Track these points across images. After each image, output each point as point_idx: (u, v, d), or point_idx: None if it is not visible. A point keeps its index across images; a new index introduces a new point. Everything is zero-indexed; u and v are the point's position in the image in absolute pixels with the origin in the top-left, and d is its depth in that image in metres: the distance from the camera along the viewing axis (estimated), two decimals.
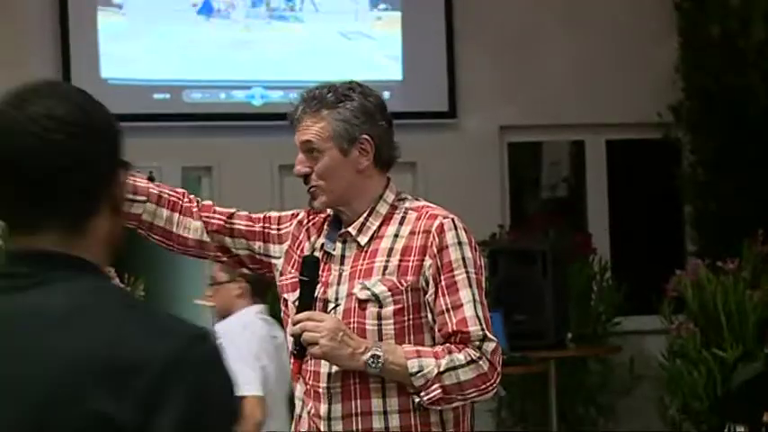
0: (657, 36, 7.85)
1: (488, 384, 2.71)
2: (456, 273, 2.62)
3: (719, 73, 7.52)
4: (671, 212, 8.08)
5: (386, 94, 7.47)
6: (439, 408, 2.65)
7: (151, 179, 2.92)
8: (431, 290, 2.62)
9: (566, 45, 7.84)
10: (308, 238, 2.76)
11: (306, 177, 2.70)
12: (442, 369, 2.58)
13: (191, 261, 8.56)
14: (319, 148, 2.70)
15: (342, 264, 2.69)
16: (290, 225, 2.80)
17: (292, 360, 2.62)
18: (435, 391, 2.61)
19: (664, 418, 6.98)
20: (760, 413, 5.75)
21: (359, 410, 2.64)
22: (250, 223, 2.82)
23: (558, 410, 6.72)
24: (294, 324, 2.61)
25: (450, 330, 2.62)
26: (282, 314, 2.78)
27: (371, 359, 2.58)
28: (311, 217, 2.80)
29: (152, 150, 7.41)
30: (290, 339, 2.65)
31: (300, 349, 2.60)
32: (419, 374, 2.60)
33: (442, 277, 2.62)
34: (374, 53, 7.82)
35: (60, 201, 1.38)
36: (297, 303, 2.67)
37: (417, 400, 2.62)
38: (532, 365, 6.26)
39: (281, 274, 2.76)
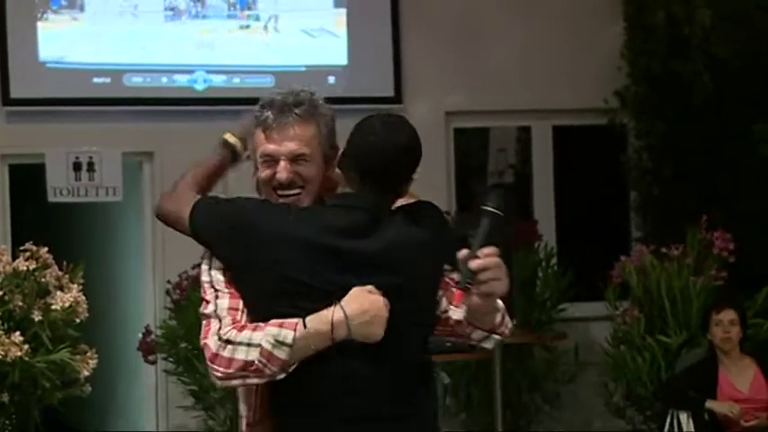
0: (603, 21, 7.91)
1: None
2: None
3: (665, 58, 7.58)
4: (616, 199, 8.15)
5: (330, 79, 7.60)
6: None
7: None
8: None
9: (512, 30, 7.88)
10: None
11: (289, 184, 2.68)
12: None
13: (131, 249, 8.57)
14: (308, 158, 2.69)
15: None
16: None
17: (459, 291, 2.58)
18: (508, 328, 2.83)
19: (608, 405, 7.07)
20: (703, 399, 5.84)
21: None
22: None
23: (502, 397, 6.76)
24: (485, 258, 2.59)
25: None
26: None
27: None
28: None
29: (92, 135, 7.37)
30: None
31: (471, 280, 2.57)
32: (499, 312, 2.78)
33: None
34: (321, 37, 7.81)
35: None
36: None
37: (496, 339, 2.80)
38: (477, 352, 6.29)
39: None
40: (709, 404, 5.80)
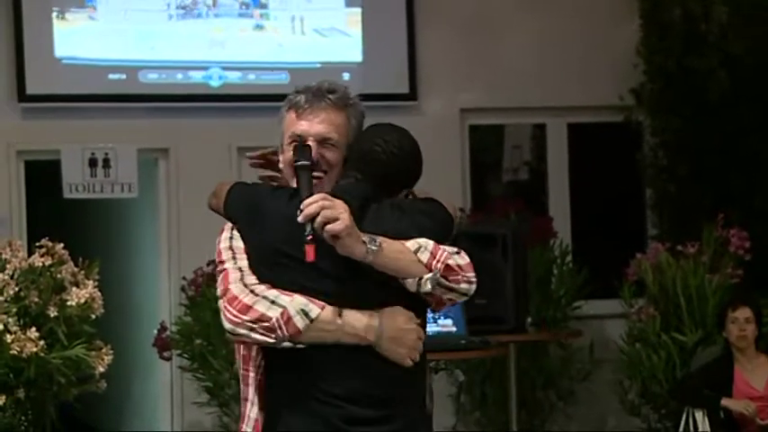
0: (619, 18, 7.90)
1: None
2: None
3: (681, 55, 7.56)
4: (632, 196, 8.14)
5: (345, 76, 7.60)
6: (446, 287, 2.68)
7: None
8: None
9: (527, 28, 7.87)
10: None
11: (313, 166, 2.75)
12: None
13: (146, 246, 8.58)
14: (336, 143, 2.78)
15: None
16: None
17: (308, 247, 2.59)
18: (442, 262, 2.66)
19: (623, 403, 7.06)
20: (718, 397, 5.83)
21: None
22: None
23: (517, 395, 6.76)
24: (305, 207, 2.60)
25: None
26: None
27: (370, 241, 2.61)
28: None
29: (107, 132, 7.39)
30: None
31: (313, 232, 2.58)
32: (422, 249, 2.66)
33: None
34: (337, 34, 7.81)
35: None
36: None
37: (427, 277, 2.64)
38: (492, 349, 6.28)
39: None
40: (725, 402, 5.79)
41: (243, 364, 2.83)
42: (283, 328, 2.61)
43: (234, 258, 2.74)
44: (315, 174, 2.74)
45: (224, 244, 2.78)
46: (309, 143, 2.76)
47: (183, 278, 7.08)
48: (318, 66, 7.61)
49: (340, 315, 2.62)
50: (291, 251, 2.64)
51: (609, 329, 7.42)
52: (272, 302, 2.63)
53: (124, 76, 7.49)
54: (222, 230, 2.82)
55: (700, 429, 5.81)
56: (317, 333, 2.62)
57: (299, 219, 2.60)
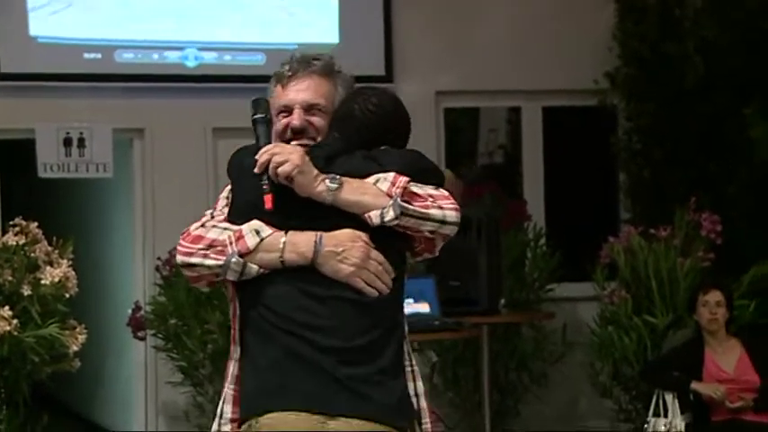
0: (594, 2, 7.90)
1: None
2: None
3: (656, 40, 7.59)
4: (606, 180, 8.17)
5: None
6: (415, 216, 2.63)
7: None
8: None
9: (503, 11, 7.87)
10: None
11: (298, 134, 2.77)
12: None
13: (121, 226, 8.55)
14: (323, 109, 2.79)
15: None
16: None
17: (265, 196, 2.61)
18: (401, 187, 2.63)
19: (595, 385, 7.10)
20: (688, 380, 5.87)
21: None
22: None
23: (490, 376, 6.79)
24: (258, 157, 2.64)
25: None
26: None
27: (330, 179, 2.61)
28: None
29: (83, 111, 7.36)
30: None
31: (270, 180, 2.61)
32: (381, 180, 2.65)
33: None
34: (313, 16, 7.80)
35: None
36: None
37: (389, 205, 2.61)
38: (465, 331, 6.31)
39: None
40: (695, 385, 5.81)
41: (232, 323, 2.80)
42: (234, 243, 2.59)
43: (210, 215, 2.76)
44: (303, 141, 2.74)
45: (221, 196, 2.82)
46: (295, 109, 2.75)
47: (158, 258, 7.07)
48: (295, 47, 7.59)
49: (284, 237, 2.61)
50: (258, 202, 2.63)
51: (581, 312, 7.46)
52: (224, 229, 2.64)
53: (99, 56, 7.45)
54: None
55: (669, 411, 5.83)
56: (264, 253, 2.59)
57: (255, 170, 2.62)
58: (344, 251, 2.60)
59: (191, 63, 7.58)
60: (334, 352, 2.58)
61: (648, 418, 5.91)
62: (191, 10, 7.65)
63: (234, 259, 2.59)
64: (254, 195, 2.65)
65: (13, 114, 7.26)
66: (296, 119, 2.75)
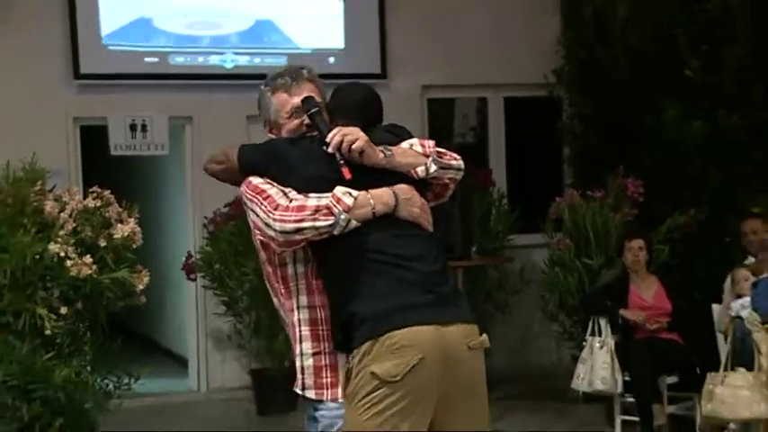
0: (545, 15, 7.88)
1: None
2: None
3: (592, 45, 7.56)
4: (553, 153, 8.15)
5: (331, 60, 7.57)
6: (444, 167, 2.70)
7: None
8: None
9: (474, 21, 7.83)
10: None
11: (310, 127, 2.74)
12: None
13: (175, 192, 8.56)
14: (320, 105, 2.76)
15: None
16: None
17: (344, 169, 2.57)
18: (433, 148, 2.70)
19: (545, 312, 7.15)
20: (617, 308, 5.88)
21: None
22: None
23: None
24: (331, 140, 2.60)
25: None
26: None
27: (384, 149, 2.63)
28: None
29: (145, 104, 7.36)
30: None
31: (342, 157, 2.58)
32: (414, 145, 2.71)
33: None
34: (324, 26, 7.77)
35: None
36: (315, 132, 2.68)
37: (430, 160, 2.66)
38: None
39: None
40: (622, 312, 5.83)
41: (284, 289, 2.69)
42: (337, 206, 2.50)
43: (274, 186, 2.62)
44: (314, 132, 2.71)
45: (257, 180, 2.66)
46: (311, 95, 2.73)
47: (205, 218, 7.11)
48: (310, 51, 7.58)
49: (369, 195, 2.55)
50: (331, 176, 2.57)
51: (534, 256, 7.48)
52: (319, 198, 2.54)
53: (157, 60, 7.43)
54: (245, 183, 2.68)
55: (603, 332, 5.83)
56: (360, 209, 2.52)
57: (330, 149, 2.57)
58: (412, 198, 2.61)
59: (228, 65, 7.57)
60: (429, 275, 2.55)
61: (587, 337, 5.91)
62: (228, 23, 7.62)
63: (342, 216, 2.50)
64: (327, 170, 2.58)
65: (90, 106, 7.26)
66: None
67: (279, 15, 7.67)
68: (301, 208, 2.52)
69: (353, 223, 2.53)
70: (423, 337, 2.44)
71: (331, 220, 2.51)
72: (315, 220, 2.51)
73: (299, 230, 2.52)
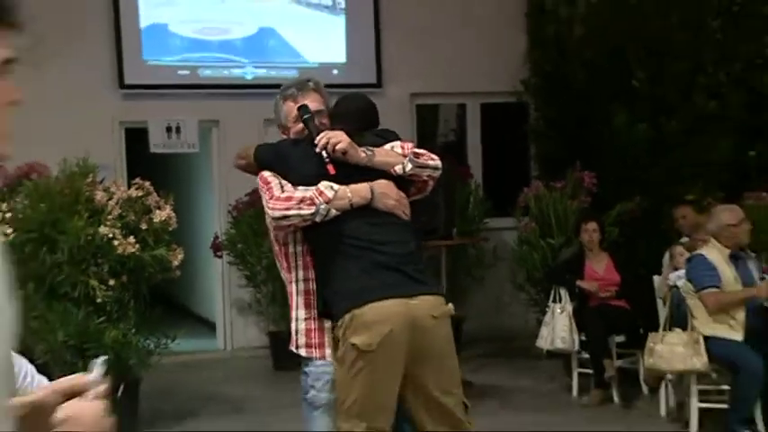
0: (514, 34, 7.85)
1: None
2: None
3: (553, 60, 7.56)
4: (521, 151, 8.14)
5: (334, 72, 7.57)
6: (420, 166, 2.66)
7: None
8: None
9: (456, 39, 7.81)
10: None
11: (313, 116, 2.76)
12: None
13: (204, 183, 8.54)
14: (324, 113, 2.80)
15: None
16: None
17: (328, 165, 2.59)
18: (411, 149, 2.70)
19: (515, 283, 7.14)
20: (574, 279, 5.89)
21: None
22: None
23: (447, 279, 6.85)
24: (318, 141, 2.61)
25: None
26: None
27: (366, 149, 2.65)
28: None
29: (179, 110, 7.35)
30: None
31: (329, 155, 2.59)
32: (394, 146, 2.72)
33: None
34: (328, 43, 7.77)
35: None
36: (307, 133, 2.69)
37: (407, 160, 2.65)
38: (430, 249, 6.33)
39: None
40: (579, 283, 5.84)
41: (286, 264, 2.72)
42: (319, 197, 2.54)
43: (277, 179, 2.68)
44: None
45: (268, 173, 2.72)
46: (305, 104, 2.75)
47: (230, 205, 7.11)
48: (317, 65, 7.58)
49: (348, 189, 2.58)
50: (320, 172, 2.60)
51: (505, 237, 7.48)
52: (306, 190, 2.59)
53: (188, 72, 7.44)
54: (259, 176, 2.74)
55: (563, 300, 5.84)
56: (339, 201, 2.56)
57: (317, 150, 2.61)
58: (388, 192, 2.62)
59: (249, 76, 7.57)
60: (399, 256, 2.59)
61: (549, 304, 5.91)
62: (249, 42, 7.61)
63: (322, 206, 2.54)
64: (317, 168, 2.61)
65: (133, 111, 7.26)
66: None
67: (282, 27, 7.61)
68: (289, 198, 2.59)
69: (333, 212, 2.57)
70: (390, 311, 2.52)
71: (312, 209, 2.56)
72: (299, 209, 2.57)
73: (285, 217, 2.59)
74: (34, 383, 2.61)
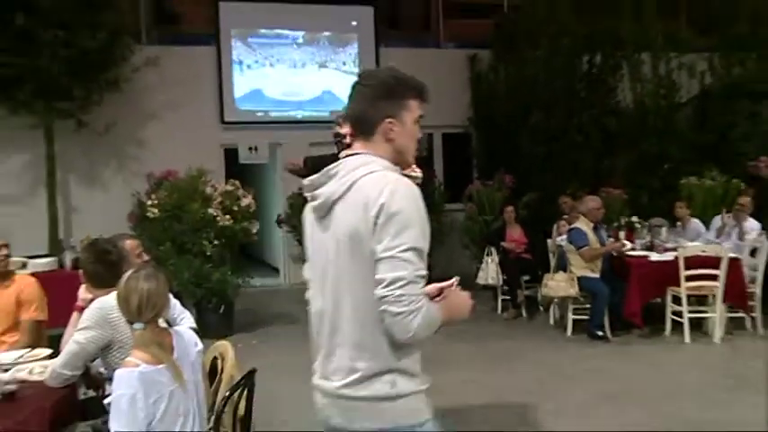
0: (463, 90, 7.80)
1: None
2: None
3: (486, 107, 7.50)
4: (467, 162, 8.07)
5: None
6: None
7: None
8: None
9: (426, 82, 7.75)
10: None
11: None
12: None
13: (273, 183, 8.51)
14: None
15: None
16: None
17: None
18: None
19: (462, 245, 7.11)
20: (500, 241, 5.88)
21: None
22: None
23: None
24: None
25: None
26: None
27: None
28: None
29: (256, 136, 7.33)
30: None
31: None
32: None
33: None
34: (343, 75, 7.70)
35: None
36: None
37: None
38: None
39: None
40: (502, 243, 5.85)
41: None
42: None
43: None
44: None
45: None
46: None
47: (289, 196, 7.11)
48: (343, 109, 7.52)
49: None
50: None
51: (458, 216, 7.44)
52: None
53: (263, 113, 7.41)
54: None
55: (493, 255, 5.82)
56: None
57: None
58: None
59: (299, 115, 7.54)
60: None
61: (484, 257, 5.90)
62: (298, 89, 7.54)
63: None
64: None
65: (231, 138, 7.25)
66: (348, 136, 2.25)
67: (336, 88, 7.52)
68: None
69: None
70: None
71: None
72: None
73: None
74: (176, 311, 2.61)
